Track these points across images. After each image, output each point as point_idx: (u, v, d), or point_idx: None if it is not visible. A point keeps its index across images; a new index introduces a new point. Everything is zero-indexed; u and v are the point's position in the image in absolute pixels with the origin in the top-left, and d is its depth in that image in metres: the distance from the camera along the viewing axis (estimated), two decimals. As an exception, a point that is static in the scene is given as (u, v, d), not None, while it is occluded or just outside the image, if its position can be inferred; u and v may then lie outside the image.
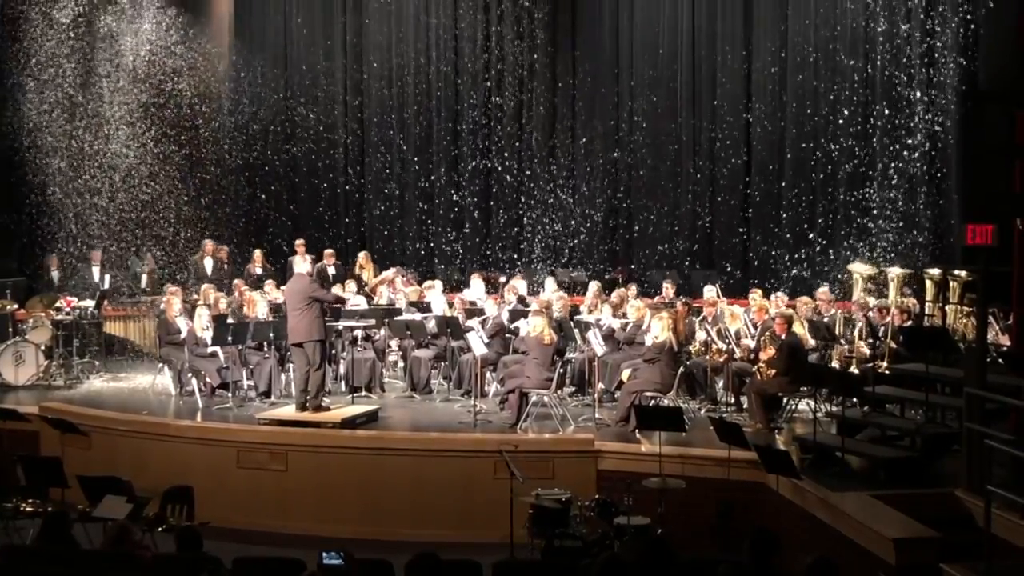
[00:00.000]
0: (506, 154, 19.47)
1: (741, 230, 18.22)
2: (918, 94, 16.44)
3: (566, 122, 19.39)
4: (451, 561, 6.94)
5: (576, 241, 19.03)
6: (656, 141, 18.58)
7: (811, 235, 17.44)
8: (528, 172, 19.37)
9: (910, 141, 16.55)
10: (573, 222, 19.04)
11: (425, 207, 19.90)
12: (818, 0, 17.39)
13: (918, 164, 16.45)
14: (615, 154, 18.92)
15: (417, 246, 19.87)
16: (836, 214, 17.28)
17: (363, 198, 20.37)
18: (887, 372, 11.79)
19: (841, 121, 17.17)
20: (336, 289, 14.55)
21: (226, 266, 17.34)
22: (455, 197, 19.72)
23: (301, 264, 12.69)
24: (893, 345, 12.39)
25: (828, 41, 17.26)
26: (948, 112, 16.16)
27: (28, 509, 9.67)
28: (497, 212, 19.55)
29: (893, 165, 16.69)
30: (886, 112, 16.83)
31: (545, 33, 19.22)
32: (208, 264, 17.05)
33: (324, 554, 6.54)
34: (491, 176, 19.66)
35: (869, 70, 17.05)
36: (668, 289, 15.44)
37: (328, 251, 17.31)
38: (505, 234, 19.44)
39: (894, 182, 16.65)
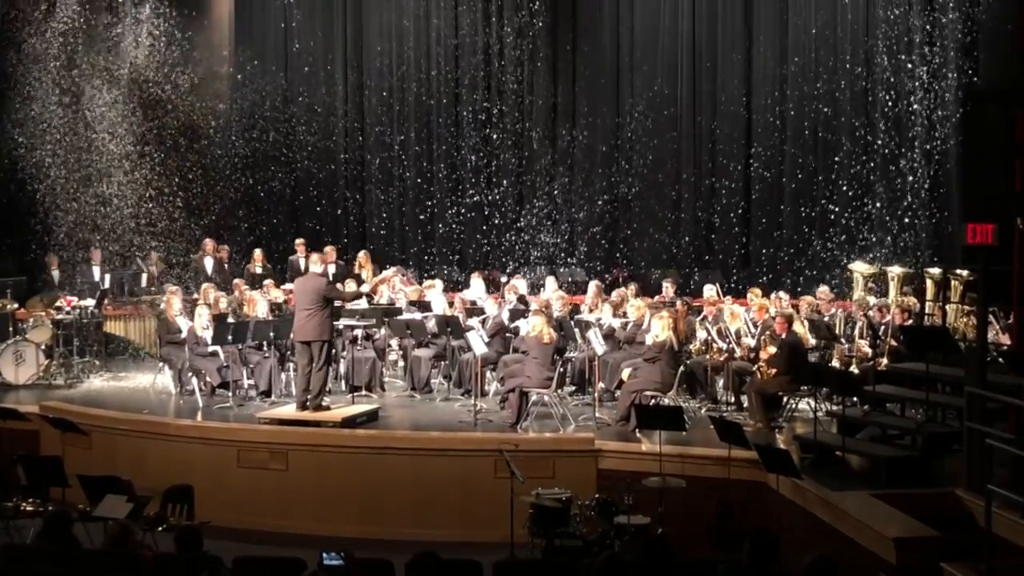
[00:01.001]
0: (506, 155, 19.48)
1: (742, 223, 18.27)
2: (918, 92, 16.44)
3: (566, 126, 19.37)
4: (451, 560, 6.94)
5: (576, 244, 19.05)
6: (656, 157, 18.56)
7: (811, 236, 17.47)
8: (527, 176, 19.38)
9: (910, 141, 16.56)
10: (572, 227, 19.09)
11: (425, 207, 19.89)
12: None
13: (918, 164, 16.45)
14: (614, 168, 18.95)
15: (416, 242, 19.91)
16: (836, 215, 17.28)
17: (363, 198, 20.36)
18: (887, 370, 11.77)
19: (843, 116, 17.20)
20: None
21: (226, 265, 17.33)
22: (455, 197, 19.71)
23: (316, 264, 12.70)
24: (893, 343, 12.37)
25: (828, 39, 17.25)
26: (948, 111, 16.15)
27: (29, 509, 9.68)
28: (497, 212, 19.53)
29: (893, 165, 16.70)
30: (886, 111, 16.84)
31: (547, 48, 19.23)
32: (208, 263, 17.05)
33: (324, 554, 6.55)
34: (490, 178, 19.65)
35: (867, 69, 17.06)
36: (668, 288, 15.44)
37: (328, 248, 17.28)
38: (505, 234, 19.42)
39: (894, 181, 16.66)
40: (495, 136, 19.54)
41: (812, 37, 17.43)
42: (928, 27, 16.36)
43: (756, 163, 18.03)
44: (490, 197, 19.59)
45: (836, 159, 17.29)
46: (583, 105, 19.16)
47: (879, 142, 16.91)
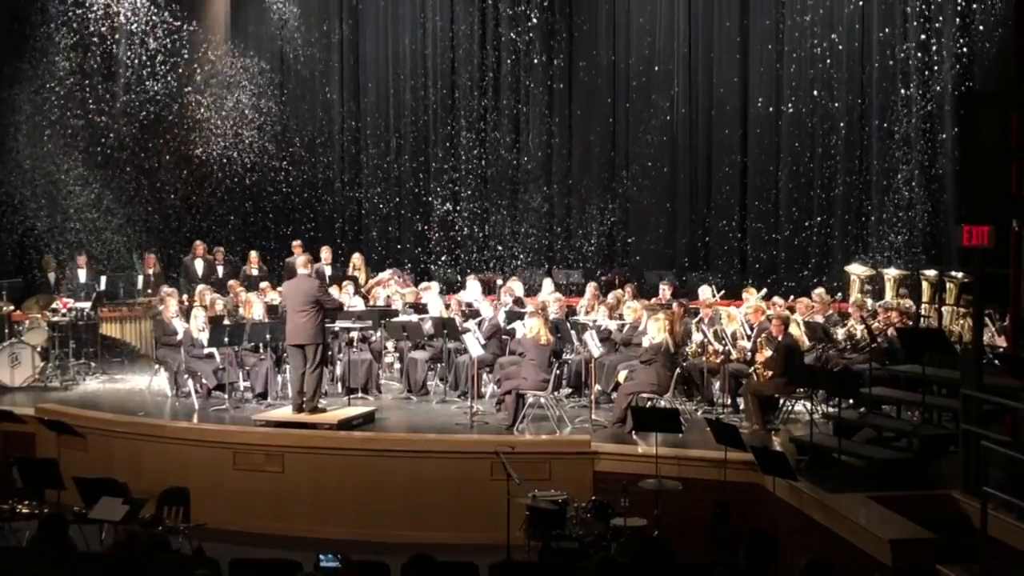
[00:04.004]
0: (503, 157, 19.52)
1: (739, 225, 18.28)
2: (913, 95, 16.44)
3: (563, 129, 19.40)
4: (447, 563, 6.95)
5: (572, 246, 19.08)
6: (652, 159, 18.57)
7: (807, 238, 17.48)
8: (524, 179, 19.40)
9: (905, 143, 16.57)
10: (569, 229, 19.13)
11: (421, 209, 19.90)
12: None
13: (914, 166, 16.45)
14: (610, 170, 19.02)
15: (412, 244, 19.92)
16: (832, 217, 17.30)
17: (358, 199, 20.37)
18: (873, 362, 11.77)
19: (839, 119, 17.20)
20: (332, 291, 14.49)
21: (221, 267, 17.31)
22: (452, 198, 19.71)
23: (303, 267, 12.67)
24: (891, 333, 12.34)
25: (823, 43, 17.25)
26: (944, 114, 16.16)
27: (24, 511, 9.66)
28: (493, 214, 19.54)
29: (888, 167, 16.71)
30: (882, 113, 16.84)
31: (544, 51, 19.25)
32: (199, 265, 17.03)
33: (321, 556, 6.57)
34: (486, 180, 19.68)
35: (863, 72, 17.07)
36: (665, 290, 15.44)
37: (324, 249, 17.22)
38: (502, 236, 19.44)
39: (890, 184, 16.66)
40: (491, 138, 19.56)
41: (807, 41, 17.43)
42: (923, 30, 16.36)
43: (752, 165, 18.03)
44: (486, 199, 19.61)
45: (832, 161, 17.30)
46: (580, 108, 19.18)
47: (875, 145, 16.91)
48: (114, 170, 17.89)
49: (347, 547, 8.74)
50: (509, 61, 19.50)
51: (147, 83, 18.17)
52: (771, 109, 17.83)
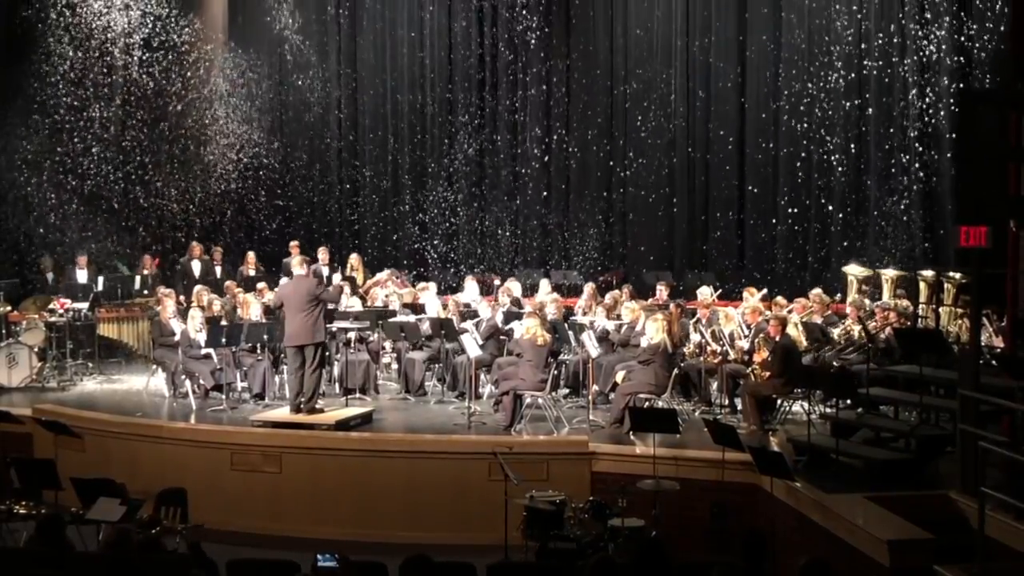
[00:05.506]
0: (500, 158, 19.53)
1: (737, 225, 18.30)
2: (912, 95, 16.46)
3: (560, 130, 19.41)
4: (445, 563, 6.94)
5: (570, 247, 19.08)
6: (650, 160, 18.60)
7: (806, 239, 17.49)
8: (521, 179, 19.42)
9: (904, 142, 16.58)
10: (566, 229, 19.15)
11: (419, 209, 19.90)
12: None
13: (912, 166, 16.46)
14: (608, 171, 19.05)
15: (410, 244, 19.92)
16: (831, 218, 17.30)
17: (356, 200, 20.36)
18: (872, 363, 11.76)
19: (837, 119, 17.20)
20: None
21: (218, 267, 17.30)
22: (449, 198, 19.71)
23: (299, 267, 12.67)
24: (889, 334, 12.34)
25: (821, 43, 17.26)
26: (941, 113, 16.16)
27: (22, 511, 9.64)
28: (491, 215, 19.54)
29: (886, 167, 16.72)
30: (880, 113, 16.85)
31: (542, 52, 19.29)
32: (196, 267, 17.02)
33: (320, 555, 6.57)
34: (485, 180, 19.68)
35: (861, 72, 17.08)
36: (662, 291, 15.44)
37: (322, 248, 17.21)
38: (499, 237, 19.43)
39: (888, 184, 16.68)
40: (489, 139, 19.57)
41: (805, 42, 17.45)
42: (923, 29, 16.37)
43: (750, 165, 18.04)
44: (485, 200, 19.61)
45: (830, 162, 17.31)
46: (578, 108, 19.19)
47: (872, 144, 16.93)
48: (113, 173, 17.88)
49: (345, 547, 8.73)
50: (508, 61, 19.49)
51: (145, 85, 18.15)
52: (769, 108, 17.84)
